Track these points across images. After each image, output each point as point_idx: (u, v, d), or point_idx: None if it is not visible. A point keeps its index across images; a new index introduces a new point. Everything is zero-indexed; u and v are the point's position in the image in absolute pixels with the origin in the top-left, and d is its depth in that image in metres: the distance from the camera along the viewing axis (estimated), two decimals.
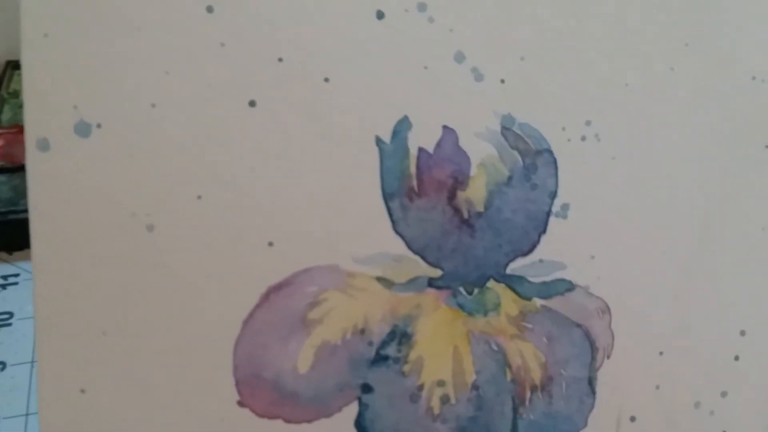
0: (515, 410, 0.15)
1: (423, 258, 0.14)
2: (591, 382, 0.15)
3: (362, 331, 0.14)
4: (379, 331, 0.14)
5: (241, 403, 0.14)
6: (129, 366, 0.13)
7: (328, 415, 0.14)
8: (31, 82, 0.12)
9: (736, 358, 0.16)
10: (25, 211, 0.33)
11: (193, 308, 0.13)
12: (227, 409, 0.14)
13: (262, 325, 0.14)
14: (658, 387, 0.16)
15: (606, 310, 0.15)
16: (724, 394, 0.16)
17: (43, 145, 0.12)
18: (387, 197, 0.14)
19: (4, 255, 0.44)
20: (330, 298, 0.14)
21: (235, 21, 0.13)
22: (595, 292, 0.15)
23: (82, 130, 0.12)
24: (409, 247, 0.14)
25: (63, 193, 0.12)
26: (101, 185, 0.12)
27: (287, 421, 0.14)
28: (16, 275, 0.42)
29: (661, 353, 0.15)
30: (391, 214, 0.14)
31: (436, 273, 0.14)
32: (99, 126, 0.12)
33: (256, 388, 0.14)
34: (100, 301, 0.13)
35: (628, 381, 0.15)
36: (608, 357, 0.15)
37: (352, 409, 0.14)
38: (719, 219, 0.16)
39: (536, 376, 0.15)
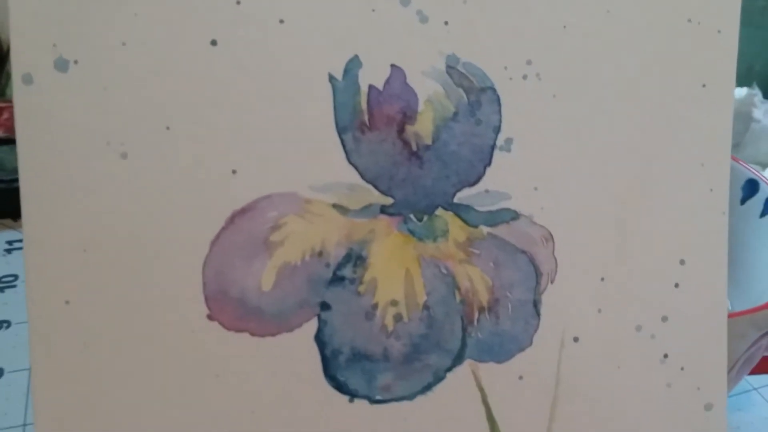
0: (464, 329, 0.16)
1: (375, 187, 0.15)
2: (536, 305, 0.17)
3: (320, 254, 0.15)
4: (335, 253, 0.15)
5: (210, 317, 0.15)
6: (107, 281, 0.14)
7: (290, 329, 0.15)
8: (16, 23, 0.14)
9: (676, 285, 0.17)
10: None
11: (164, 230, 0.15)
12: (198, 322, 0.15)
13: (228, 246, 0.15)
14: (600, 310, 0.17)
15: (549, 237, 0.16)
16: (664, 319, 0.17)
17: (27, 80, 0.14)
18: (340, 130, 0.15)
19: (9, 222, 0.45)
20: (289, 223, 0.15)
21: None
22: (539, 221, 0.16)
23: (61, 65, 0.14)
24: (362, 176, 0.15)
25: (45, 123, 0.14)
26: (79, 116, 0.14)
27: (252, 334, 0.15)
28: (21, 240, 0.44)
29: (602, 279, 0.17)
30: (344, 146, 0.15)
31: (388, 201, 0.16)
32: (76, 62, 0.14)
33: (224, 304, 0.15)
34: (80, 221, 0.14)
35: (570, 304, 0.17)
36: (552, 282, 0.17)
37: (311, 325, 0.16)
38: (659, 154, 0.17)
39: (483, 298, 0.16)
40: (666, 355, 0.17)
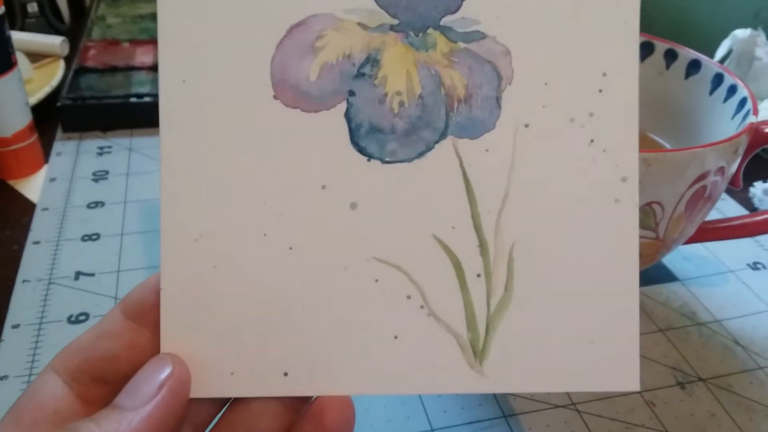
0: (447, 114, 0.23)
1: (387, 12, 0.23)
2: (498, 100, 0.24)
3: (348, 56, 0.23)
4: (359, 56, 0.23)
5: (275, 97, 0.23)
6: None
7: (328, 108, 0.23)
8: None
9: (600, 90, 0.24)
10: (115, 97, 0.47)
11: (250, 38, 0.22)
12: (268, 101, 0.23)
13: (287, 48, 0.22)
14: (544, 106, 0.24)
15: (507, 52, 0.23)
16: (591, 114, 0.24)
17: None
18: None
19: (99, 133, 0.54)
20: (328, 34, 0.23)
21: None
22: (500, 41, 0.23)
23: None
24: (377, 4, 0.23)
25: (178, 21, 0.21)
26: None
27: (303, 110, 0.23)
28: (110, 147, 0.53)
29: (546, 84, 0.24)
30: None
31: (395, 22, 0.23)
32: None
33: (284, 88, 0.23)
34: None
35: (523, 101, 0.23)
36: (509, 84, 0.23)
37: (342, 106, 0.23)
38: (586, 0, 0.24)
39: (461, 92, 0.23)
40: (592, 140, 0.24)
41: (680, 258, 0.46)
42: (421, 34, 0.23)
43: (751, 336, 0.39)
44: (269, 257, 0.23)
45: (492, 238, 0.23)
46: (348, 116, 0.23)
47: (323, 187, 0.23)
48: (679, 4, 0.75)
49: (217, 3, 0.22)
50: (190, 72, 0.22)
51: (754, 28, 0.65)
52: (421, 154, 0.23)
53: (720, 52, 0.66)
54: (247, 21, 0.22)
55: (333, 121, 0.23)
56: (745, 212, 0.53)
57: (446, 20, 0.23)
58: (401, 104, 0.23)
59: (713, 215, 0.38)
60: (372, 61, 0.23)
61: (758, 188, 0.53)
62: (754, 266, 0.46)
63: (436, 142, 0.23)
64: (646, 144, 0.43)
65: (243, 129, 0.23)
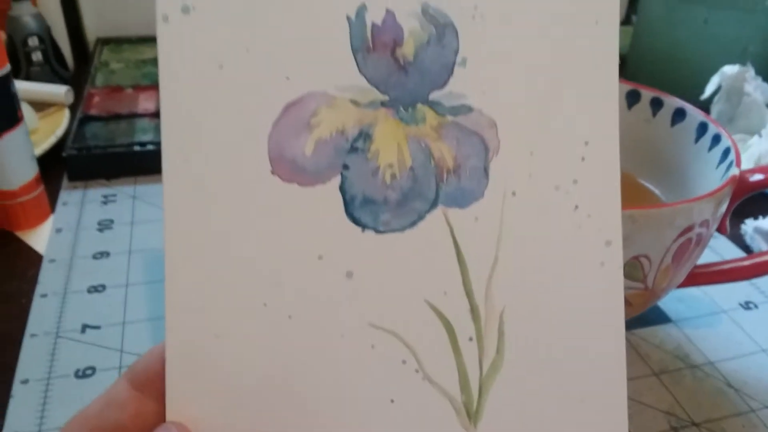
0: (437, 185, 0.24)
1: (377, 88, 0.24)
2: (485, 170, 0.25)
3: (342, 132, 0.24)
4: (352, 132, 0.24)
5: (272, 173, 0.24)
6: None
7: (323, 182, 0.24)
8: None
9: (582, 159, 0.25)
10: (120, 146, 0.49)
11: (248, 117, 0.23)
12: (266, 177, 0.24)
13: (284, 126, 0.24)
14: (530, 175, 0.25)
15: (494, 125, 0.25)
16: (575, 182, 0.25)
17: (165, 18, 0.23)
18: (354, 51, 0.24)
19: (103, 181, 0.56)
20: (322, 112, 0.24)
21: None
22: (487, 114, 0.25)
23: (186, 9, 0.23)
24: (369, 82, 0.24)
25: (176, 52, 0.23)
26: (196, 43, 0.23)
27: (300, 184, 0.24)
28: (114, 195, 0.54)
29: (531, 153, 0.25)
30: (357, 62, 0.24)
31: (386, 98, 0.24)
32: (194, 8, 0.23)
33: (282, 164, 0.24)
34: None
35: (510, 170, 0.25)
36: (496, 154, 0.25)
37: (337, 180, 0.24)
38: (568, 68, 0.25)
39: (450, 164, 0.24)
40: (577, 206, 0.25)
41: (674, 299, 0.47)
42: (410, 109, 0.24)
43: (744, 378, 0.40)
44: (269, 326, 0.24)
45: (483, 303, 0.24)
46: (343, 189, 0.24)
47: (320, 257, 0.24)
48: (669, 40, 0.77)
49: (216, 85, 0.23)
50: (191, 150, 0.23)
51: (743, 63, 0.67)
52: (413, 224, 0.24)
53: (710, 88, 0.68)
54: (244, 101, 0.23)
55: (328, 193, 0.24)
56: (736, 250, 0.54)
57: (434, 95, 0.24)
58: (393, 176, 0.24)
59: (705, 253, 0.39)
60: (364, 135, 0.24)
61: (749, 225, 0.54)
62: (746, 306, 0.47)
63: (427, 211, 0.24)
64: (636, 190, 0.44)
65: (242, 204, 0.24)
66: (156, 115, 0.62)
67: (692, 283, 0.40)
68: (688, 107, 0.42)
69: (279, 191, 0.24)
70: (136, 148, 0.55)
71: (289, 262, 0.24)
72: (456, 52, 0.24)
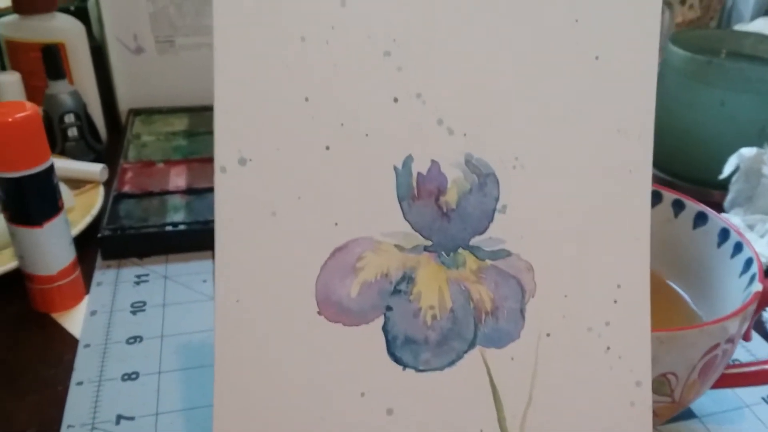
0: (476, 326, 0.26)
1: (421, 234, 0.25)
2: (522, 312, 0.26)
3: (386, 275, 0.25)
4: (396, 275, 0.25)
5: (319, 313, 0.25)
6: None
7: (367, 323, 0.25)
8: (220, 132, 0.24)
9: (615, 301, 0.26)
10: (152, 226, 0.51)
11: (298, 261, 0.25)
12: (313, 317, 0.25)
13: (331, 269, 0.25)
14: (564, 316, 0.26)
15: (531, 268, 0.26)
16: (607, 324, 0.26)
17: (222, 170, 0.24)
18: (400, 199, 0.25)
19: (136, 260, 0.57)
20: (368, 256, 0.25)
21: None
22: (524, 258, 0.26)
23: (242, 161, 0.24)
24: (413, 228, 0.25)
25: (232, 200, 0.24)
26: (251, 193, 0.24)
27: (344, 324, 0.25)
28: (147, 275, 0.55)
29: (565, 296, 0.26)
30: (402, 209, 0.25)
31: (429, 243, 0.25)
32: (251, 160, 0.24)
33: (328, 305, 0.25)
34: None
35: (545, 312, 0.26)
36: (533, 297, 0.26)
37: (380, 320, 0.25)
38: (601, 220, 0.26)
39: (488, 306, 0.26)
40: (608, 348, 0.26)
41: None
42: (452, 254, 0.25)
43: None
44: None
45: None
46: (385, 329, 0.25)
47: (362, 394, 0.25)
48: (686, 121, 0.78)
49: (269, 231, 0.25)
50: (243, 292, 0.25)
51: (760, 145, 0.68)
52: (452, 363, 0.25)
53: (728, 169, 0.69)
54: (295, 245, 0.25)
55: (371, 333, 0.25)
56: (761, 341, 0.54)
57: (474, 240, 0.25)
58: (434, 317, 0.25)
59: None
60: (407, 278, 0.25)
61: None
62: None
63: (466, 351, 0.25)
64: (665, 293, 0.45)
65: (290, 343, 0.25)
66: (186, 192, 0.64)
67: (720, 386, 0.40)
68: (710, 212, 0.43)
69: (325, 331, 0.25)
70: (168, 228, 0.57)
71: (332, 399, 0.25)
72: (496, 199, 0.25)
